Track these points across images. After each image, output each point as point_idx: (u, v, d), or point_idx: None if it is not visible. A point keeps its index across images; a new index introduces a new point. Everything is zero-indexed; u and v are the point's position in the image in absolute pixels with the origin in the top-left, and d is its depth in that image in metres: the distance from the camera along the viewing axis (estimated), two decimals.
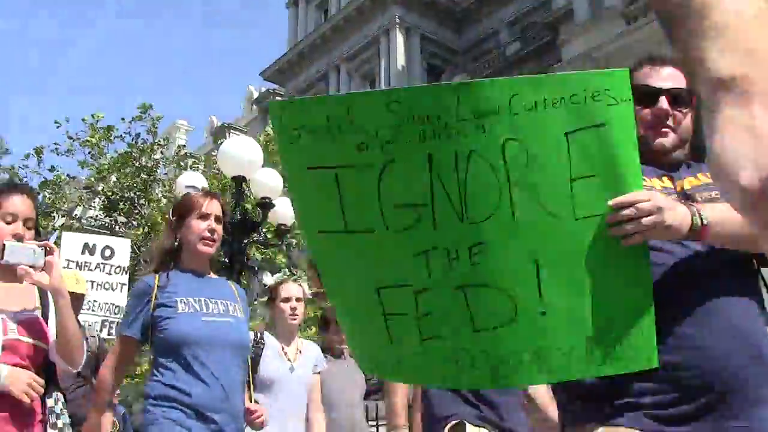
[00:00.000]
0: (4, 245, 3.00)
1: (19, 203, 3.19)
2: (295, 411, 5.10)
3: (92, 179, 17.09)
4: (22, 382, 2.95)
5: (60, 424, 3.07)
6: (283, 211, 9.58)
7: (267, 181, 8.95)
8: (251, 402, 3.90)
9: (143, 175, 17.40)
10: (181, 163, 17.81)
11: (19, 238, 3.10)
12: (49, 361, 3.21)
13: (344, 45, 45.73)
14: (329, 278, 2.20)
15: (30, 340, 3.08)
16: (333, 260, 2.14)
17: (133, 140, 17.65)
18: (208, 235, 3.65)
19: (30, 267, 3.00)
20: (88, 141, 17.06)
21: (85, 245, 8.65)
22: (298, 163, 2.03)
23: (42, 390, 3.05)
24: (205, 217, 3.66)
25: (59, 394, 3.21)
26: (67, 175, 17.59)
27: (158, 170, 18.07)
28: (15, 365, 2.98)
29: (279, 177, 9.11)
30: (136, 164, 17.34)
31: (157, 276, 3.60)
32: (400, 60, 42.94)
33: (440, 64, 45.49)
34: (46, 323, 3.22)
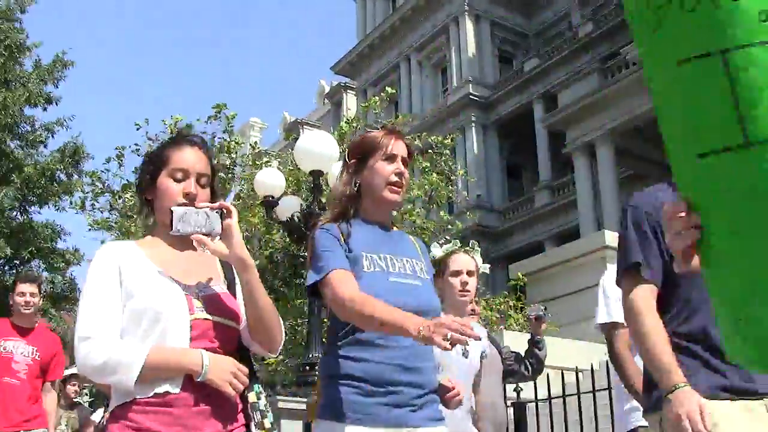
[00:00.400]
0: (171, 212, 2.51)
1: (191, 157, 2.67)
2: (464, 400, 4.34)
3: None
4: (226, 372, 2.47)
5: (267, 423, 2.65)
6: None
7: None
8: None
9: (221, 174, 17.56)
10: (257, 162, 17.92)
11: (192, 198, 2.60)
12: (242, 346, 2.71)
13: (414, 35, 45.59)
14: (715, 230, 1.39)
15: (220, 320, 2.59)
16: (723, 198, 1.37)
17: (211, 139, 17.84)
18: (396, 179, 3.09)
19: (206, 235, 2.53)
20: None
21: None
22: (663, 59, 1.41)
23: (247, 381, 2.55)
24: (391, 158, 3.10)
25: (261, 386, 2.73)
26: None
27: (235, 168, 18.23)
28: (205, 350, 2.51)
29: None
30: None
31: (337, 224, 3.06)
32: (471, 47, 42.63)
33: (511, 50, 45.04)
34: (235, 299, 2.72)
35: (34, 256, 17.94)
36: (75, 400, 10.86)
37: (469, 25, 42.95)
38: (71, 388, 10.57)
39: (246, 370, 2.53)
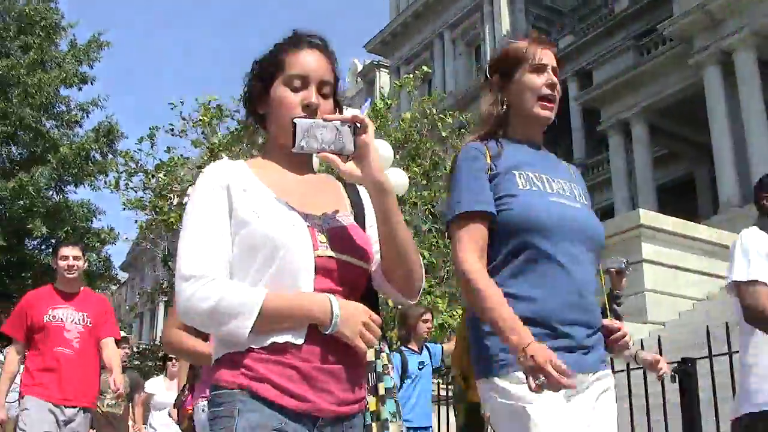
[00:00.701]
0: (294, 124, 2.05)
1: (311, 60, 2.21)
2: None
3: (204, 158, 17.38)
4: (358, 322, 2.02)
5: (381, 389, 2.21)
6: (394, 182, 9.56)
7: (379, 152, 8.88)
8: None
9: (255, 152, 17.57)
10: None
11: (313, 110, 2.16)
12: (370, 291, 2.26)
13: (447, 12, 45.29)
14: None
15: (348, 259, 2.13)
16: None
17: (243, 118, 17.87)
18: (548, 92, 2.71)
19: (335, 154, 2.07)
20: (201, 120, 17.35)
21: None
22: None
23: (380, 333, 2.10)
24: (540, 69, 2.73)
25: (382, 342, 2.29)
26: (181, 155, 17.94)
27: None
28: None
29: (390, 148, 9.04)
30: (245, 142, 17.53)
31: (485, 143, 2.70)
32: (505, 24, 42.27)
33: (545, 27, 44.59)
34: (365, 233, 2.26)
35: (70, 236, 18.09)
36: (124, 363, 10.91)
37: (503, 2, 42.56)
38: (121, 352, 10.60)
39: (379, 320, 2.10)
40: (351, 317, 2.01)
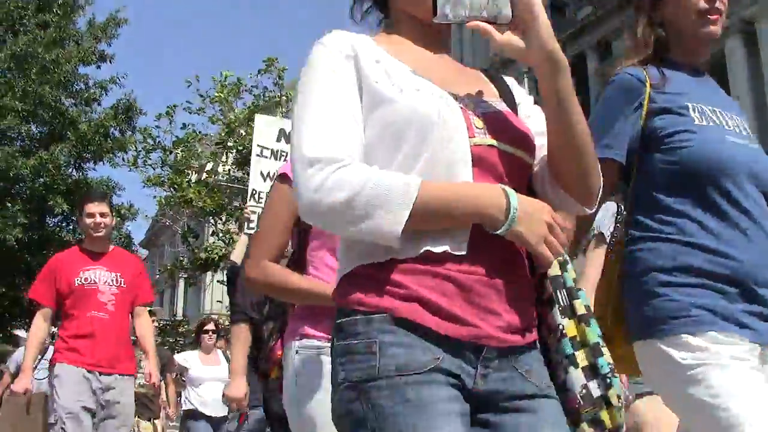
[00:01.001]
0: None
1: None
2: None
3: (222, 134, 17.43)
4: (542, 222, 1.53)
5: (580, 307, 1.66)
6: None
7: None
8: None
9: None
10: None
11: None
12: (532, 189, 1.75)
13: None
14: None
15: (511, 150, 1.65)
16: None
17: (260, 93, 17.93)
18: (706, 6, 2.37)
19: (489, 23, 1.59)
20: (217, 97, 17.38)
21: (281, 131, 7.45)
22: None
23: (565, 240, 1.59)
24: None
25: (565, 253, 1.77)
26: (198, 132, 18.00)
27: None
28: None
29: None
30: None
31: (644, 69, 2.37)
32: None
33: None
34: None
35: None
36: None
37: None
38: None
39: (563, 222, 1.62)
40: (532, 215, 1.53)
